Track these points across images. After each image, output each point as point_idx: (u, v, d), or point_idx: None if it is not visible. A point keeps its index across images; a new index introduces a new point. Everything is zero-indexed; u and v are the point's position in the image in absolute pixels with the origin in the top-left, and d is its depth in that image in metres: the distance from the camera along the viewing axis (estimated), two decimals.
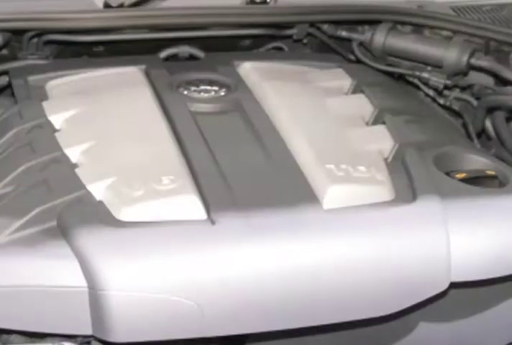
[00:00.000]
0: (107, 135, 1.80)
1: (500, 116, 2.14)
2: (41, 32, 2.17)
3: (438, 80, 2.22)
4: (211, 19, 2.21)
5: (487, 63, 2.17)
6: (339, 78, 2.13)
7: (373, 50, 2.29)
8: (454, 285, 1.62)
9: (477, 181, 1.76)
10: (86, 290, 1.48)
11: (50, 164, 1.71)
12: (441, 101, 2.27)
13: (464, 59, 2.18)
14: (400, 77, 2.31)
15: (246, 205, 1.60)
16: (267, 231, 1.56)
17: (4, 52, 2.19)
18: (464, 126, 2.23)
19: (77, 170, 1.69)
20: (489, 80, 2.22)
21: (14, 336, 1.58)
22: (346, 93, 2.09)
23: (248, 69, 2.11)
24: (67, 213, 1.57)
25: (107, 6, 2.16)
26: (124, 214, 1.57)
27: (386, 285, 1.58)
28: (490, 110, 2.16)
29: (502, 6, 2.40)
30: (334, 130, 1.88)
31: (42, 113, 1.88)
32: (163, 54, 2.23)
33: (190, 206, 1.59)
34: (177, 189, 1.61)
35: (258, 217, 1.58)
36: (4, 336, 1.58)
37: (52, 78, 2.06)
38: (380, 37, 2.26)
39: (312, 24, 2.33)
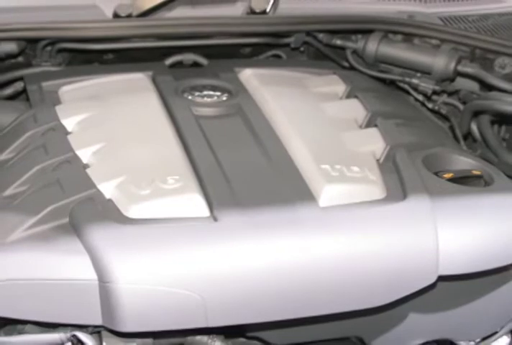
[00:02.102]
0: (116, 137, 1.79)
1: (485, 119, 2.14)
2: (54, 41, 2.16)
3: (427, 85, 2.22)
4: (214, 29, 2.21)
5: (472, 70, 2.17)
6: (333, 84, 2.13)
7: (366, 58, 2.29)
8: (441, 278, 1.61)
9: (464, 181, 1.76)
10: (96, 282, 1.48)
11: (63, 164, 1.71)
12: (430, 106, 2.27)
13: (452, 66, 2.18)
14: (391, 83, 2.31)
15: (246, 203, 1.60)
16: (267, 228, 1.56)
17: (20, 59, 2.19)
18: (452, 128, 2.23)
19: (88, 170, 1.69)
20: (474, 86, 2.22)
21: (28, 326, 1.57)
22: (341, 98, 2.09)
23: (248, 75, 2.11)
24: (79, 210, 1.57)
25: (116, 16, 2.16)
26: (132, 212, 1.57)
27: (378, 278, 1.57)
28: (476, 114, 2.15)
29: (487, 16, 2.40)
30: (329, 132, 1.88)
31: (55, 116, 1.88)
32: (169, 61, 2.23)
33: (194, 204, 1.59)
34: (182, 188, 1.61)
35: (258, 214, 1.57)
36: (19, 326, 1.58)
37: (64, 84, 2.06)
38: (372, 46, 2.26)
39: (308, 33, 2.33)
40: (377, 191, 1.68)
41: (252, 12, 2.23)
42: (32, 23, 2.09)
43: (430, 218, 1.61)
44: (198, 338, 1.62)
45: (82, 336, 1.53)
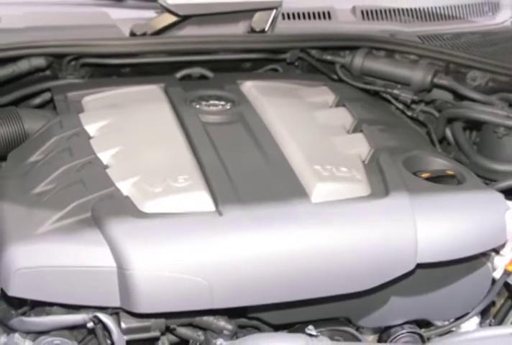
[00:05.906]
0: (132, 141, 1.79)
1: (458, 125, 2.15)
2: (78, 56, 2.16)
3: (406, 95, 2.22)
4: (219, 46, 2.21)
5: (447, 82, 2.18)
6: (324, 94, 2.13)
7: (353, 71, 2.29)
8: (420, 266, 1.62)
9: (439, 180, 1.76)
10: (115, 269, 1.48)
11: (85, 165, 1.71)
12: (409, 113, 2.27)
13: (428, 78, 2.18)
14: (375, 94, 2.31)
15: (248, 199, 1.60)
16: (265, 221, 1.56)
17: (47, 72, 2.19)
18: (428, 134, 2.23)
19: (107, 171, 1.69)
20: (449, 96, 2.23)
21: (55, 308, 1.57)
22: (331, 107, 2.09)
23: (249, 87, 2.11)
24: (100, 206, 1.58)
25: (132, 34, 2.16)
26: (146, 207, 1.57)
27: (363, 266, 1.58)
28: (450, 120, 2.16)
29: (460, 34, 2.41)
30: (321, 137, 1.88)
31: (79, 123, 1.88)
32: (179, 74, 2.23)
33: (201, 200, 1.59)
34: (190, 186, 1.61)
35: (258, 209, 1.58)
36: (47, 308, 1.58)
37: (87, 94, 2.06)
38: (358, 60, 2.26)
39: (302, 50, 2.33)
40: (363, 189, 1.68)
41: (252, 31, 2.23)
42: (58, 40, 2.10)
43: (409, 213, 1.61)
44: (205, 318, 1.61)
45: (102, 316, 1.52)
